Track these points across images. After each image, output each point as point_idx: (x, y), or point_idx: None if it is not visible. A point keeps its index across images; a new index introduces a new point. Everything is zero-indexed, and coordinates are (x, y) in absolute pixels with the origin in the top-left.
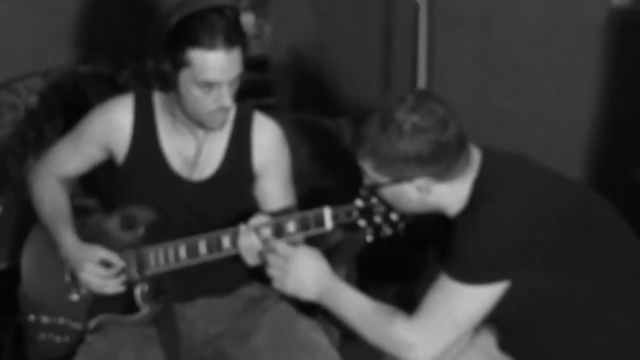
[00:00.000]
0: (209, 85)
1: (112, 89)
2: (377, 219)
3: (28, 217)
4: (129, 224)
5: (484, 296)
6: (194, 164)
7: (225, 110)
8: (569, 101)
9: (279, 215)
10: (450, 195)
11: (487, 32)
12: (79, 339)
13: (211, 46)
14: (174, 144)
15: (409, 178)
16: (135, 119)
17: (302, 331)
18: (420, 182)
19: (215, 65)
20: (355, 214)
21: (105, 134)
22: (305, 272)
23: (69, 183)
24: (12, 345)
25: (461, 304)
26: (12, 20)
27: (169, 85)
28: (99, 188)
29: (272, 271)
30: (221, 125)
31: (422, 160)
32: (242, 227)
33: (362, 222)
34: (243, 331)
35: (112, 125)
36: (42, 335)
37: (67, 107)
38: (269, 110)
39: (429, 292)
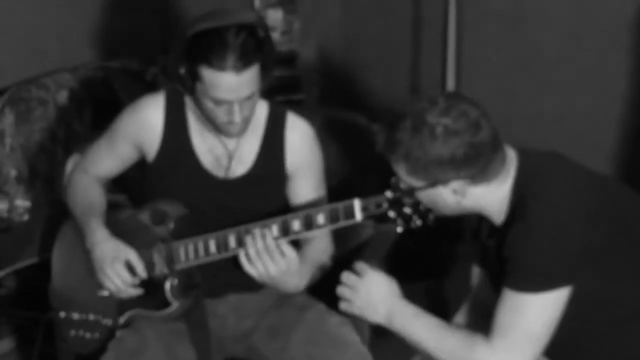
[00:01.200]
0: (220, 101)
1: (141, 85)
2: (407, 210)
3: (58, 212)
4: (159, 218)
5: (554, 301)
6: (225, 162)
7: (237, 123)
8: (599, 98)
9: (308, 207)
10: (487, 197)
11: (516, 28)
12: (110, 334)
13: (220, 67)
14: (206, 142)
15: (443, 181)
16: (167, 117)
17: (333, 327)
18: (456, 185)
19: (224, 86)
20: (384, 205)
21: (137, 132)
22: (376, 293)
23: (102, 183)
24: (42, 341)
25: (534, 314)
26: (42, 16)
27: (187, 89)
28: (128, 184)
29: (342, 290)
30: (238, 134)
31: (456, 163)
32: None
33: (391, 213)
34: (273, 327)
35: (144, 123)
36: (73, 332)
37: (96, 103)
38: (297, 105)
39: (498, 310)
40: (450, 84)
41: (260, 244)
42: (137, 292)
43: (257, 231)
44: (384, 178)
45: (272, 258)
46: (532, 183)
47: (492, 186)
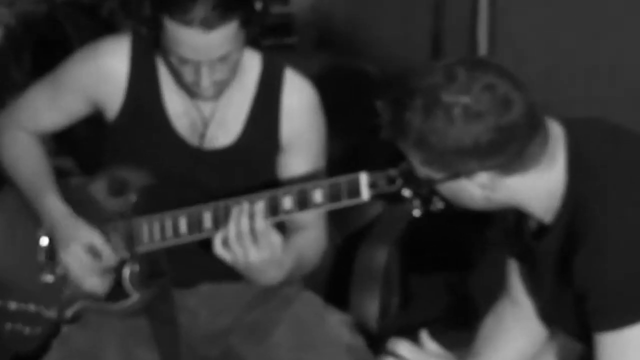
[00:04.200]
0: (184, 60)
1: (94, 22)
2: (427, 189)
3: None
4: (118, 188)
5: None
6: (204, 129)
7: (205, 87)
8: None
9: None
10: (526, 189)
11: None
12: (53, 330)
13: (184, 21)
14: (181, 102)
15: (466, 173)
16: (132, 67)
17: (332, 327)
18: (482, 177)
19: (188, 44)
20: (398, 181)
21: (93, 84)
22: None
23: (42, 139)
24: None
25: None
26: None
27: (151, 37)
28: (76, 145)
29: None
30: (210, 98)
31: (481, 152)
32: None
33: (407, 192)
34: (257, 326)
35: (102, 74)
36: (9, 325)
37: (37, 43)
38: (289, 51)
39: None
40: (482, 29)
41: (245, 223)
42: (106, 282)
43: (245, 206)
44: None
45: (257, 243)
46: (590, 175)
47: (531, 176)
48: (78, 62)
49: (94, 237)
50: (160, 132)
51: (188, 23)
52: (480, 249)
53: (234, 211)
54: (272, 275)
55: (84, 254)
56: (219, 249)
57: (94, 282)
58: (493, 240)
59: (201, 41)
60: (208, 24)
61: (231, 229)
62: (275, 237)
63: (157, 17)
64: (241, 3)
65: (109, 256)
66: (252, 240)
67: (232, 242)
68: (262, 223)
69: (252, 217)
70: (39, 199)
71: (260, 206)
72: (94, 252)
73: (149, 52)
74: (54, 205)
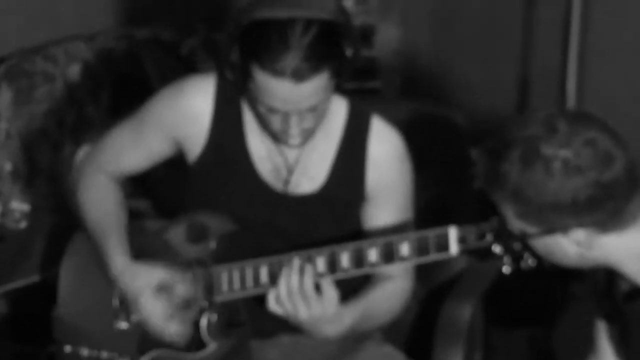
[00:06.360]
0: (273, 110)
1: (174, 60)
2: (518, 245)
3: (65, 218)
4: (197, 234)
5: None
6: (289, 175)
7: (293, 136)
8: None
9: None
10: (622, 249)
11: None
12: None
13: (275, 72)
14: (265, 146)
15: (562, 229)
16: (216, 108)
17: None
18: (579, 234)
19: (278, 95)
20: (489, 236)
21: (177, 123)
22: None
23: (122, 183)
24: None
25: None
26: None
27: (239, 84)
28: (152, 187)
29: None
30: (297, 146)
31: (579, 208)
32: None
33: (497, 248)
34: None
35: (186, 113)
36: None
37: (116, 81)
38: (373, 95)
39: None
40: (572, 77)
41: (295, 281)
42: (189, 318)
43: (295, 262)
44: (487, 197)
45: (307, 300)
46: None
47: (628, 236)
48: (162, 101)
49: (155, 275)
50: (244, 175)
51: (279, 73)
52: (565, 304)
53: (285, 268)
54: (328, 330)
55: (154, 299)
56: (272, 304)
57: (175, 329)
58: (578, 295)
59: (291, 92)
60: (299, 76)
61: (282, 285)
62: (329, 292)
63: (246, 64)
64: (333, 53)
65: (180, 286)
66: (302, 297)
67: (283, 298)
68: (310, 283)
69: (302, 275)
70: (102, 249)
71: (343, 259)
72: (165, 290)
73: (233, 93)
74: (114, 257)
